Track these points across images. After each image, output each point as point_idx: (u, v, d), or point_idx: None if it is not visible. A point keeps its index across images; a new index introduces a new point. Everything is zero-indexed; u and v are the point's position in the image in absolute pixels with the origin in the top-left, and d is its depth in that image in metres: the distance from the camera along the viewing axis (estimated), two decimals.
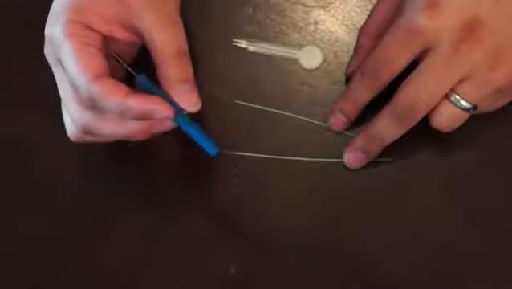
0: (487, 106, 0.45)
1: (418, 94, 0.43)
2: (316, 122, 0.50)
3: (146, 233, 0.50)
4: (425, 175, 0.49)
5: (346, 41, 0.51)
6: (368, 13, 0.49)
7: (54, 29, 0.43)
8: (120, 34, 0.45)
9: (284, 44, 0.52)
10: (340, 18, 0.52)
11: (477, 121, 0.45)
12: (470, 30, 0.42)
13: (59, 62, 0.43)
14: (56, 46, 0.43)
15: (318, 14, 0.52)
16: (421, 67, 0.43)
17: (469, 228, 0.48)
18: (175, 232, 0.49)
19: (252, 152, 0.50)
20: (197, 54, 0.52)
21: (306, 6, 0.52)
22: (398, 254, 0.48)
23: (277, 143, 0.50)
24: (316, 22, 0.52)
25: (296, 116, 0.50)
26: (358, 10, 0.52)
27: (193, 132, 0.43)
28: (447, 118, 0.44)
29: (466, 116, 0.44)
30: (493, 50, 0.42)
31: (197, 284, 0.49)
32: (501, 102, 0.45)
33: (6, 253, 0.51)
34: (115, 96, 0.41)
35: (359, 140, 0.47)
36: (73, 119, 0.44)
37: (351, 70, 0.49)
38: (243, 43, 0.52)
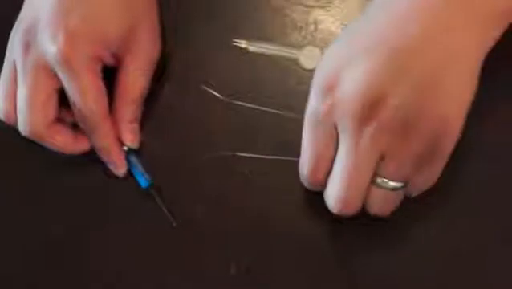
0: (421, 182, 0.43)
1: (342, 192, 0.41)
2: None
3: (146, 233, 0.50)
4: None
5: None
6: None
7: (50, 46, 0.45)
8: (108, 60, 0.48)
9: (284, 44, 0.52)
10: (340, 18, 0.52)
11: (479, 123, 0.45)
12: (374, 111, 0.39)
13: (38, 67, 0.46)
14: (55, 65, 0.45)
15: (319, 14, 0.52)
16: (335, 163, 0.41)
17: (473, 233, 0.48)
18: (175, 232, 0.49)
19: (252, 153, 0.50)
20: (197, 54, 0.52)
21: (306, 6, 0.52)
22: (399, 254, 0.48)
23: (277, 143, 0.50)
24: (316, 22, 0.52)
25: (296, 116, 0.50)
26: (358, 10, 0.52)
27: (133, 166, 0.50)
28: (380, 202, 0.42)
29: (400, 195, 0.43)
30: (402, 124, 0.39)
31: (197, 284, 0.49)
32: (431, 172, 0.42)
33: (5, 253, 0.51)
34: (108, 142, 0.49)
35: None
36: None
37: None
38: (243, 43, 0.52)
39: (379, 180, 0.41)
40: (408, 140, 0.39)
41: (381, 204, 0.43)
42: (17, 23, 0.48)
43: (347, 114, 0.39)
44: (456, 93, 0.39)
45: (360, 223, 0.47)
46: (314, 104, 0.41)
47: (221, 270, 0.48)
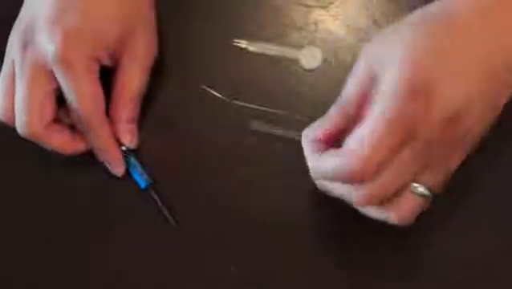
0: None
1: (382, 191, 0.40)
2: None
3: (146, 233, 0.50)
4: None
5: (346, 41, 0.51)
6: (368, 12, 0.49)
7: (48, 45, 0.45)
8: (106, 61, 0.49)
9: (284, 44, 0.52)
10: (340, 18, 0.52)
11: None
12: (452, 124, 0.39)
13: (36, 67, 0.46)
14: (52, 64, 0.46)
15: (319, 14, 0.52)
16: (393, 162, 0.39)
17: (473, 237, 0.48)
18: (175, 232, 0.49)
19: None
20: (197, 53, 0.52)
21: (307, 6, 0.52)
22: (399, 254, 0.48)
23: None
24: (316, 22, 0.52)
25: (296, 115, 0.50)
26: (358, 10, 0.52)
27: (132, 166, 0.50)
28: (407, 206, 0.41)
29: (425, 203, 0.42)
30: (460, 140, 0.40)
31: (197, 284, 0.49)
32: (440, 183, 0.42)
33: (5, 253, 0.51)
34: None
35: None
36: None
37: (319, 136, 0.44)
38: (243, 43, 0.52)
39: (411, 186, 0.41)
40: (452, 157, 0.40)
41: (407, 208, 0.41)
42: (16, 23, 0.48)
43: (429, 125, 0.38)
44: (492, 116, 0.41)
45: (360, 224, 0.47)
46: (400, 104, 0.38)
47: (221, 270, 0.48)
